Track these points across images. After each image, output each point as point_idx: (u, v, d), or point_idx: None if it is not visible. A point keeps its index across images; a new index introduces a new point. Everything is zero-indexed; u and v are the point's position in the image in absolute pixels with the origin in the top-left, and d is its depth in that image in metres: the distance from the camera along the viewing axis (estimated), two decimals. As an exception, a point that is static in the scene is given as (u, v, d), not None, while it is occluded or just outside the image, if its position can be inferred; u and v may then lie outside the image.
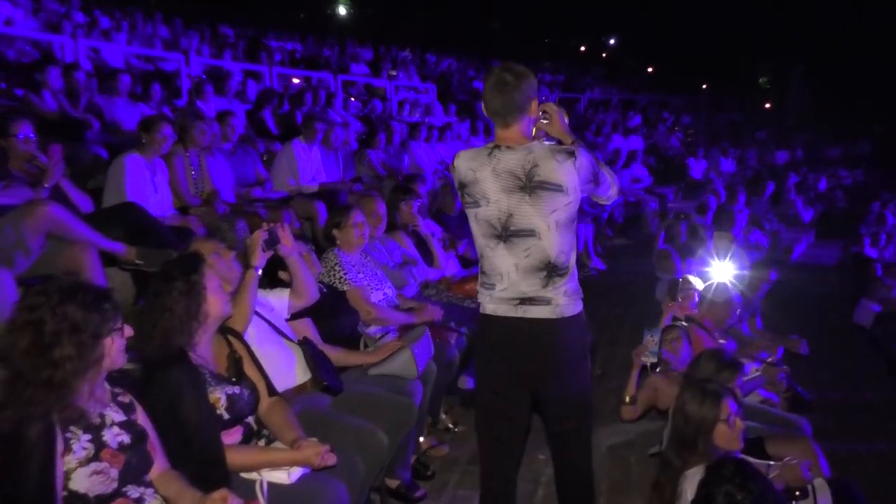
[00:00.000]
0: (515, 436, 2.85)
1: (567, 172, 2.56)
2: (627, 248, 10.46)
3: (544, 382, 2.72)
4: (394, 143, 8.43)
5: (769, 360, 4.21)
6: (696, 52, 27.84)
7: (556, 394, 2.75)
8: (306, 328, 3.50)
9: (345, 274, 4.04)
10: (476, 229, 2.69)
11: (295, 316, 3.44)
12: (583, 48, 32.63)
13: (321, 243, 4.45)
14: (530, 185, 2.56)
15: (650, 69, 30.97)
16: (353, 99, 11.43)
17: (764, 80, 31.83)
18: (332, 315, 3.73)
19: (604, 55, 32.74)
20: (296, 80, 11.67)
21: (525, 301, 2.64)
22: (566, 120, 2.81)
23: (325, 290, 3.87)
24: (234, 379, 2.64)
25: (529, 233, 2.59)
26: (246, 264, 3.12)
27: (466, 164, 2.65)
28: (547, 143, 2.72)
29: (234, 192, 5.64)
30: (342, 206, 4.91)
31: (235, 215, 4.98)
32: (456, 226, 6.04)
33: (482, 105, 2.70)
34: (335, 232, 4.23)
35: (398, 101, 12.20)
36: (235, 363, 2.70)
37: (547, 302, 2.63)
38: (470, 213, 2.69)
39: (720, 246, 5.88)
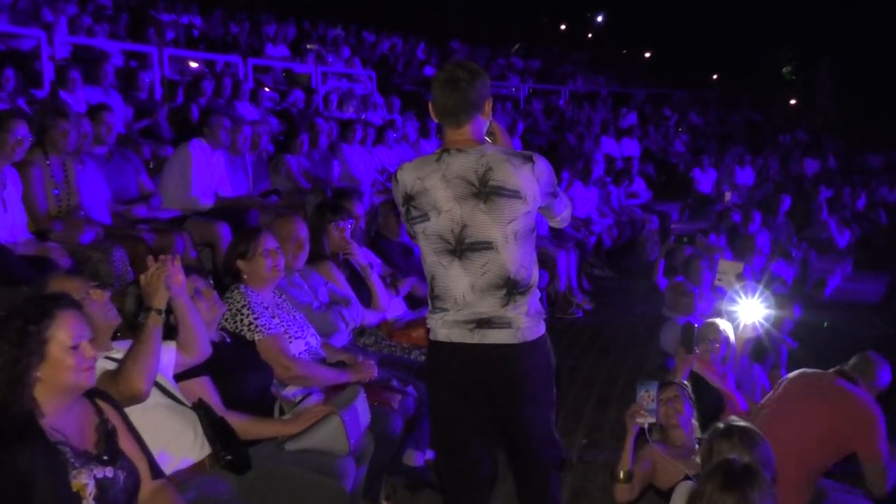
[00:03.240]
0: (481, 478, 3.24)
1: (524, 178, 2.95)
2: (621, 282, 10.60)
3: (507, 416, 3.11)
4: (320, 146, 8.44)
5: None
6: (704, 34, 28.52)
7: (521, 427, 3.15)
8: (203, 389, 3.46)
9: (255, 318, 4.01)
10: (426, 247, 3.03)
11: (185, 374, 3.40)
12: (563, 27, 33.19)
13: (223, 278, 4.41)
14: (485, 190, 2.92)
15: (647, 55, 31.63)
16: (267, 89, 11.41)
17: (788, 70, 32.79)
18: (236, 372, 3.69)
19: (589, 36, 33.33)
20: (193, 65, 11.61)
21: (482, 324, 2.97)
22: (509, 139, 3.27)
23: (228, 339, 3.84)
24: (105, 458, 2.59)
25: (486, 245, 2.94)
26: (144, 306, 3.16)
27: (412, 174, 3.00)
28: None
29: (111, 210, 5.56)
30: (250, 228, 4.88)
31: (111, 242, 4.94)
32: (400, 256, 6.05)
33: (431, 107, 3.08)
34: (240, 263, 4.19)
35: (326, 91, 12.23)
36: (107, 437, 2.65)
37: (507, 324, 2.98)
38: (418, 228, 3.02)
39: (727, 279, 6.01)
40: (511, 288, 2.96)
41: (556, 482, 3.38)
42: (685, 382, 4.39)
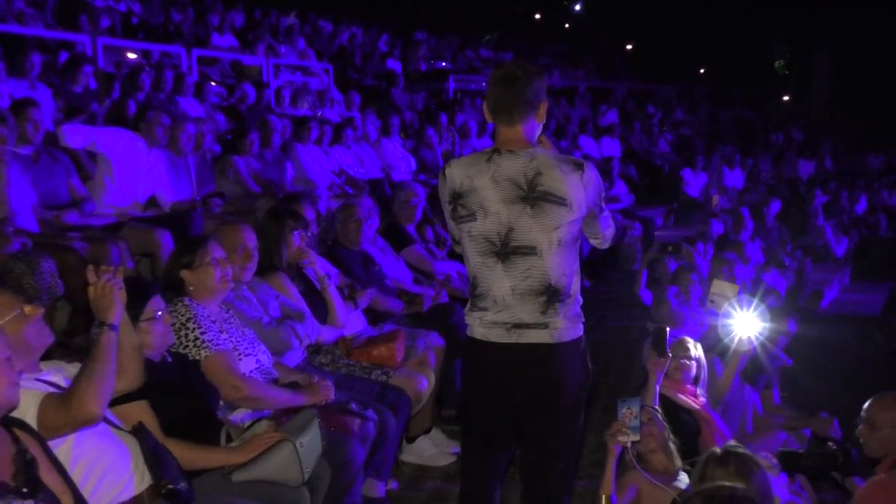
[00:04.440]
0: (502, 461, 3.62)
1: (572, 185, 3.20)
2: (601, 294, 10.64)
3: (536, 415, 3.34)
4: (272, 145, 8.42)
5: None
6: (691, 25, 28.79)
7: (548, 429, 3.37)
8: (142, 413, 3.44)
9: (201, 333, 3.99)
10: (471, 247, 3.29)
11: (120, 399, 3.37)
12: (538, 16, 33.36)
13: (164, 291, 4.38)
14: (532, 195, 3.19)
15: (629, 47, 31.88)
16: (213, 83, 11.37)
17: (780, 63, 33.18)
18: (178, 394, 3.67)
19: (567, 27, 33.53)
20: (131, 56, 11.55)
21: (520, 325, 3.25)
22: (557, 152, 3.43)
23: (169, 358, 3.82)
24: (24, 490, 2.58)
25: (530, 250, 3.21)
26: (96, 321, 3.13)
27: (462, 171, 3.26)
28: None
29: (37, 216, 5.50)
30: (195, 236, 4.85)
31: (38, 251, 4.87)
32: (359, 266, 6.04)
33: (485, 105, 3.35)
34: (185, 274, 4.17)
35: (278, 85, 12.21)
36: (26, 468, 2.64)
37: (544, 326, 3.25)
38: (463, 228, 3.29)
39: (720, 300, 6.02)
40: (551, 295, 3.23)
41: None
42: (657, 407, 4.43)
